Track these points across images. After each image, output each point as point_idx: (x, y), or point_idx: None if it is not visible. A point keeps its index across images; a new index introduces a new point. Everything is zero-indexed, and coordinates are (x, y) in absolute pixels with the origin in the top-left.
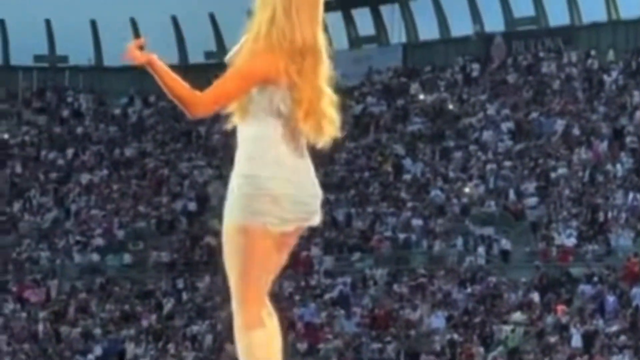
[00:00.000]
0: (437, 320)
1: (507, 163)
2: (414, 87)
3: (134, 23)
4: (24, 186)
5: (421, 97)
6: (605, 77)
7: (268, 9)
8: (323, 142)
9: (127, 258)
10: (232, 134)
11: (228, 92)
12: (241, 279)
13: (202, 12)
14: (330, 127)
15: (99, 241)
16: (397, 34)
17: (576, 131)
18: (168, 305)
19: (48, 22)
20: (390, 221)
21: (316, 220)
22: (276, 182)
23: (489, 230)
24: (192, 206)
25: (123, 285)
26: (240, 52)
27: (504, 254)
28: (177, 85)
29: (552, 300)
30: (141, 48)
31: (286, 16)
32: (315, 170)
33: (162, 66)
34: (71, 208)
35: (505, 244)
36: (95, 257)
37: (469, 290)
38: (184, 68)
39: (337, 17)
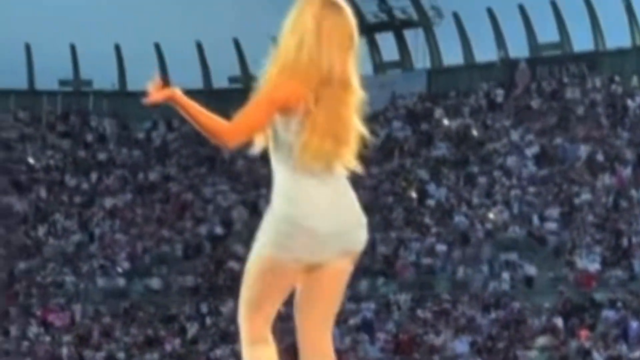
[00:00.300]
0: (461, 346)
1: (531, 189)
2: (438, 112)
3: (158, 48)
4: (48, 210)
5: (445, 122)
6: (629, 102)
7: (296, 36)
8: (340, 170)
9: (151, 282)
10: (256, 159)
11: (255, 119)
12: (253, 306)
13: (227, 37)
14: (348, 158)
15: (122, 265)
16: (421, 59)
17: (600, 157)
18: (192, 329)
19: (73, 47)
20: (414, 246)
21: (359, 247)
22: (310, 218)
23: (512, 256)
24: (216, 231)
25: (147, 309)
26: (265, 78)
27: (528, 279)
28: (204, 117)
29: (575, 326)
30: (163, 86)
31: (316, 44)
32: None
33: (186, 100)
34: (95, 232)
35: (529, 269)
36: (119, 281)
37: (493, 315)
38: (208, 93)
39: (361, 42)
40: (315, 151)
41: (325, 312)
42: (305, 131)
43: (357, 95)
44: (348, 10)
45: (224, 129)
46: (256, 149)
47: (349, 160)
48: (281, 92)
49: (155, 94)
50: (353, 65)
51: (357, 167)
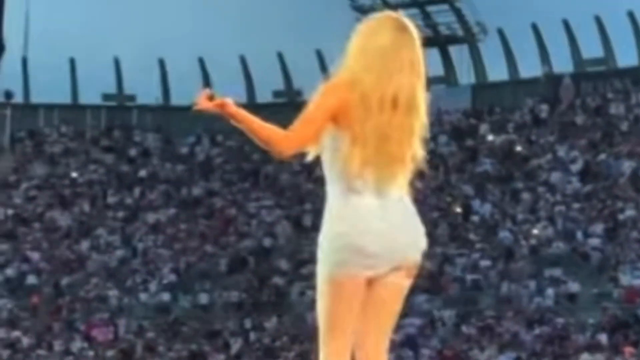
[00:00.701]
0: None
1: (576, 204)
2: (483, 128)
3: (202, 62)
4: (91, 225)
5: (490, 138)
6: None
7: (366, 58)
8: (395, 187)
9: (194, 298)
10: (300, 173)
11: (310, 128)
12: (329, 328)
13: (271, 51)
14: (401, 176)
15: (166, 280)
16: (465, 75)
17: None
18: (236, 345)
19: (117, 61)
20: (459, 262)
21: (411, 263)
22: (358, 235)
23: (557, 272)
24: (260, 246)
25: (191, 324)
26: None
27: (572, 295)
28: (257, 126)
29: (620, 342)
30: (211, 98)
31: (385, 68)
32: None
33: (237, 109)
34: (138, 247)
35: (573, 285)
36: (162, 296)
37: (537, 331)
38: (251, 107)
39: None
40: (363, 161)
41: (381, 325)
42: (354, 142)
43: (420, 119)
44: (416, 36)
45: (279, 138)
46: (309, 157)
47: (403, 179)
48: (334, 102)
49: (204, 102)
50: (420, 90)
51: (416, 174)
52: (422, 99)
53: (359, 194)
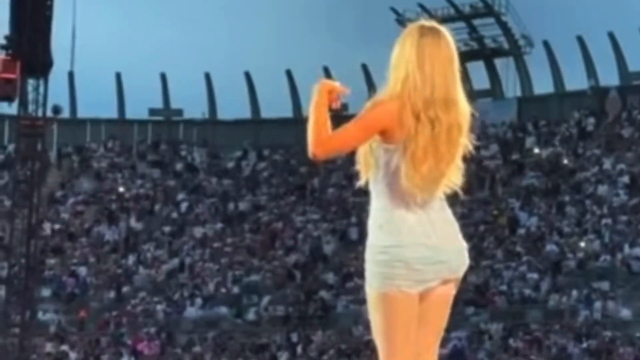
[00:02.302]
0: None
1: (623, 217)
2: (529, 141)
3: (248, 76)
4: (138, 239)
5: (536, 151)
6: None
7: (401, 68)
8: (439, 198)
9: (241, 311)
10: (345, 187)
11: (348, 138)
12: (387, 345)
13: (316, 65)
14: (452, 176)
15: (213, 294)
16: (511, 88)
17: None
18: (282, 359)
19: (163, 76)
20: (506, 275)
21: (459, 274)
22: (406, 248)
23: (604, 285)
24: (306, 260)
25: (237, 338)
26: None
27: (619, 309)
28: (317, 122)
29: None
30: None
31: (419, 72)
32: None
33: (321, 100)
34: (185, 261)
35: (621, 298)
36: (209, 310)
37: (584, 344)
38: (296, 121)
39: None
40: (414, 176)
41: (429, 336)
42: (406, 156)
43: (462, 112)
44: (446, 33)
45: (319, 139)
46: (361, 181)
47: (454, 179)
48: (379, 114)
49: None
50: (457, 85)
51: (459, 186)
52: (460, 93)
53: (406, 207)
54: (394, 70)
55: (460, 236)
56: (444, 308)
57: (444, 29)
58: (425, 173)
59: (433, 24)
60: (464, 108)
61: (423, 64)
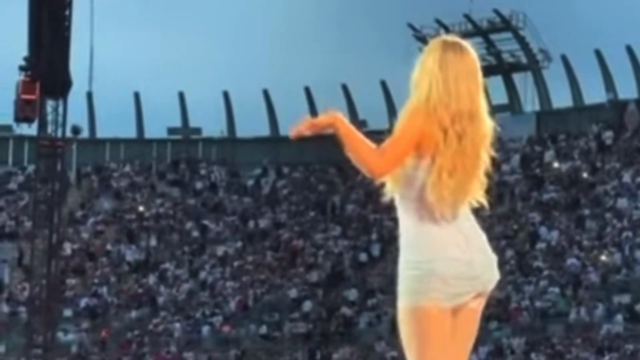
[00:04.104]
0: None
1: None
2: (549, 155)
3: (266, 94)
4: (159, 258)
5: (556, 165)
6: None
7: (425, 84)
8: (467, 211)
9: (262, 329)
10: (365, 203)
11: (399, 152)
12: (417, 357)
13: (335, 82)
14: (477, 191)
15: (234, 312)
16: (530, 102)
17: None
18: None
19: (181, 95)
20: (527, 290)
21: (491, 286)
22: (440, 263)
23: (625, 298)
24: (328, 277)
25: (259, 356)
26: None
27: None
28: (361, 145)
29: None
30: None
31: (444, 88)
32: None
33: (348, 126)
34: (206, 280)
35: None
36: (230, 328)
37: (607, 357)
38: (316, 138)
39: None
40: (442, 190)
41: (460, 352)
42: (434, 170)
43: (487, 126)
44: (469, 47)
45: (375, 159)
46: (387, 197)
47: (478, 194)
48: (417, 129)
49: (302, 128)
50: (481, 98)
51: (484, 200)
52: (484, 107)
53: (435, 222)
54: (418, 86)
55: (489, 248)
56: (474, 323)
57: (466, 43)
58: (453, 187)
59: (455, 38)
60: (488, 122)
61: (447, 79)
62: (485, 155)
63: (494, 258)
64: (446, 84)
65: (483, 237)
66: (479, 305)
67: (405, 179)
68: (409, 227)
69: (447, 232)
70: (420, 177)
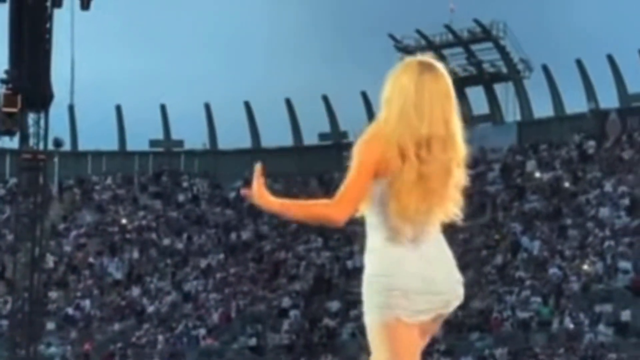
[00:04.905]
0: None
1: (625, 239)
2: (530, 164)
3: (247, 106)
4: (141, 271)
5: (537, 175)
6: None
7: (396, 104)
8: (433, 230)
9: (245, 341)
10: None
11: (355, 193)
12: None
13: (316, 93)
14: (445, 210)
15: (217, 324)
16: (511, 112)
17: None
18: None
19: (163, 107)
20: (509, 300)
21: (453, 306)
22: (399, 278)
23: (607, 307)
24: (310, 288)
25: None
26: (360, 146)
27: (624, 331)
28: (303, 210)
29: None
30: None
31: (418, 110)
32: None
33: (278, 202)
34: (189, 292)
35: (625, 320)
36: (213, 340)
37: None
38: (298, 150)
39: None
40: (402, 212)
41: None
42: (392, 194)
43: (460, 147)
44: (443, 70)
45: (329, 211)
46: (359, 213)
47: (450, 212)
48: (373, 158)
49: (251, 191)
50: (456, 122)
51: (458, 217)
52: (458, 130)
53: (397, 241)
54: (389, 103)
55: (455, 269)
56: (428, 339)
57: (440, 64)
58: (412, 209)
59: (430, 59)
60: (461, 142)
61: (422, 102)
62: (460, 175)
63: (459, 279)
64: (420, 107)
65: (449, 256)
66: (436, 327)
67: (369, 198)
68: (373, 242)
69: (408, 249)
70: (382, 197)
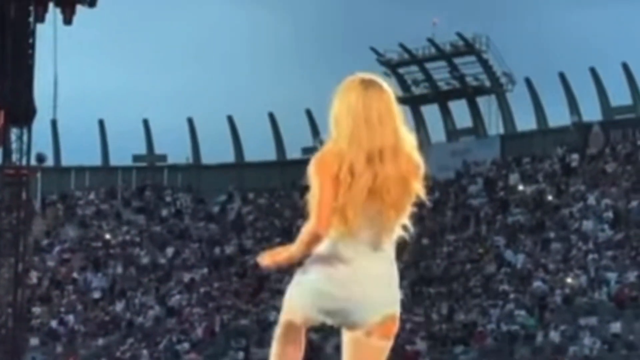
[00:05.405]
0: None
1: (609, 252)
2: (513, 178)
3: (231, 120)
4: (125, 286)
5: (520, 188)
6: None
7: (345, 123)
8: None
9: (229, 356)
10: None
11: (326, 209)
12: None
13: (299, 108)
14: (395, 219)
15: (201, 339)
16: (494, 126)
17: None
18: None
19: (146, 122)
20: (493, 313)
21: (370, 321)
22: (323, 284)
23: (592, 320)
24: None
25: None
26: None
27: (609, 343)
28: (299, 241)
29: None
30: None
31: (368, 124)
32: (415, 264)
33: (286, 254)
34: (173, 306)
35: (609, 333)
36: (197, 354)
37: None
38: (281, 164)
39: (434, 109)
40: (342, 227)
41: None
42: (338, 207)
43: (412, 160)
44: (385, 85)
45: (313, 229)
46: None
47: (398, 227)
48: (327, 177)
49: (269, 258)
50: (403, 135)
51: (408, 225)
52: (409, 141)
53: (338, 254)
54: (337, 124)
55: (383, 289)
56: (359, 353)
57: (382, 81)
58: (355, 224)
59: (373, 77)
60: (413, 157)
61: (370, 116)
62: (415, 187)
63: (380, 297)
64: (370, 121)
65: (384, 278)
66: (376, 341)
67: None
68: (320, 247)
69: (340, 262)
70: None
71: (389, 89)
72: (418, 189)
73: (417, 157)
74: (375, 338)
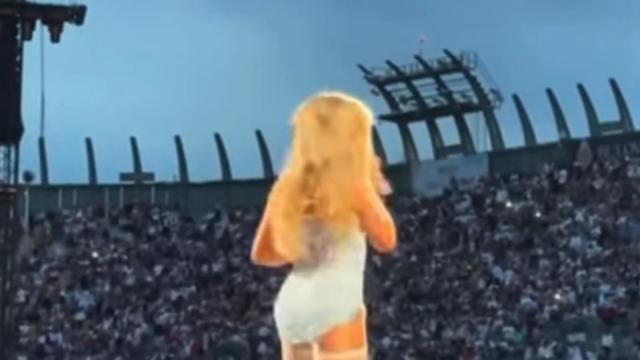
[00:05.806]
0: None
1: (597, 269)
2: (501, 195)
3: (218, 139)
4: (113, 304)
5: (508, 204)
6: None
7: (300, 138)
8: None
9: None
10: None
11: (267, 238)
12: None
13: (286, 125)
14: (338, 230)
15: (189, 357)
16: (482, 143)
17: None
18: None
19: (133, 140)
20: (482, 330)
21: (312, 335)
22: (278, 302)
23: (580, 337)
24: None
25: None
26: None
27: (599, 359)
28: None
29: None
30: None
31: (296, 147)
32: (404, 281)
33: None
34: (160, 325)
35: (598, 349)
36: None
37: None
38: (269, 182)
39: (421, 126)
40: (282, 243)
41: None
42: (278, 232)
43: (344, 167)
44: (326, 102)
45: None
46: None
47: (341, 230)
48: (268, 216)
49: None
50: (333, 149)
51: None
52: (341, 155)
53: (293, 268)
54: (295, 139)
55: (323, 302)
56: None
57: (324, 99)
58: (291, 237)
59: (320, 95)
60: (340, 168)
61: (296, 138)
62: (344, 184)
63: (319, 313)
64: (293, 145)
65: (323, 289)
66: (319, 354)
67: None
68: None
69: (292, 277)
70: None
71: (332, 103)
72: (368, 195)
73: (352, 169)
74: (315, 352)
